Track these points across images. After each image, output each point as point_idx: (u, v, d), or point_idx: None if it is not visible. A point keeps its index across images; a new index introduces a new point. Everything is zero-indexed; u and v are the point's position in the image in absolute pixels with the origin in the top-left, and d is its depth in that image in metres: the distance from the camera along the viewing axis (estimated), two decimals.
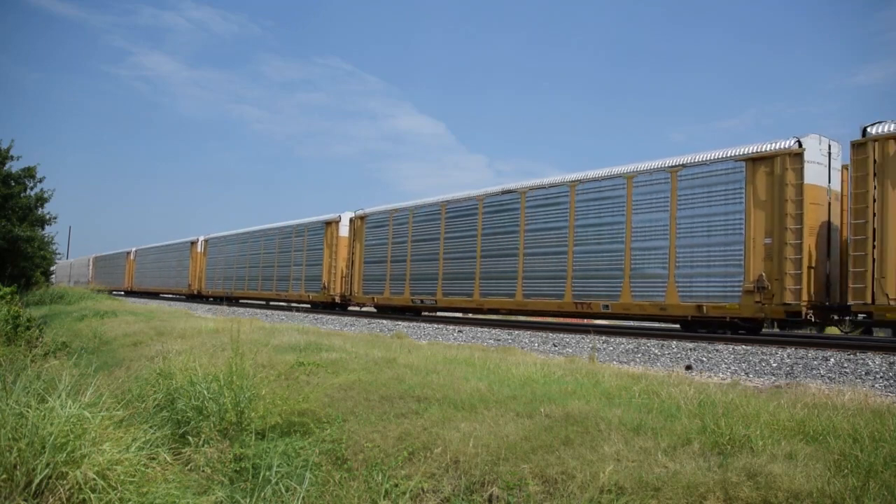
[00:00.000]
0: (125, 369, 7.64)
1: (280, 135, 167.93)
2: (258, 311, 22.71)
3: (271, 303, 29.26)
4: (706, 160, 12.70)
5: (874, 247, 10.27)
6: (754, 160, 11.93)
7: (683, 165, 13.03)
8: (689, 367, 8.26)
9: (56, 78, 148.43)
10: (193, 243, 36.14)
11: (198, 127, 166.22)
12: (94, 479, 3.63)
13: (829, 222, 11.63)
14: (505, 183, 17.44)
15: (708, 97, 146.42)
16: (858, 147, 10.76)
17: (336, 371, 6.70)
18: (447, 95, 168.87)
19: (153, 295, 41.28)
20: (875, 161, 10.49)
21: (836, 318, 12.56)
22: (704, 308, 12.25)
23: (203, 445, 4.76)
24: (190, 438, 4.88)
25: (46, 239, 33.14)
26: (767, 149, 11.79)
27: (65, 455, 3.72)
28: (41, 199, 28.71)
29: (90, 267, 55.66)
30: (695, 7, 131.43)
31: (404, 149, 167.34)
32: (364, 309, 23.50)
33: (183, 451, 4.68)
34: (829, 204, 11.67)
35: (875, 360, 8.25)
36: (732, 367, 8.26)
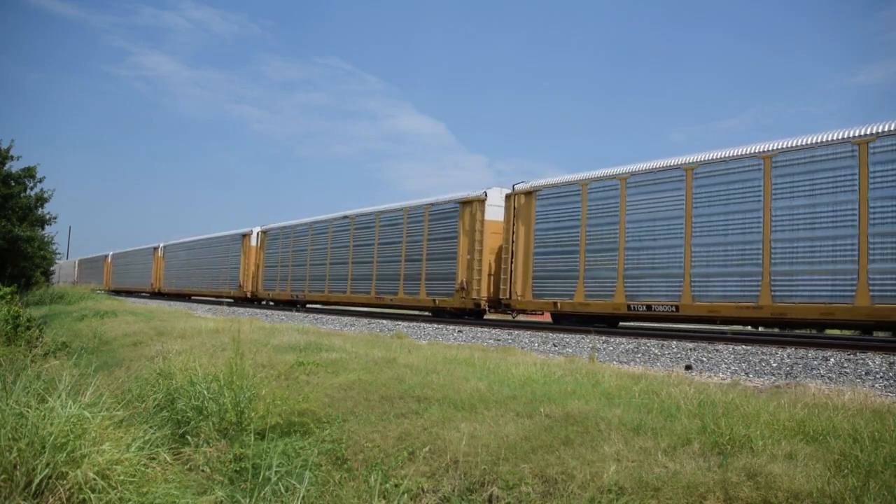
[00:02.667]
0: (125, 369, 7.64)
1: (280, 135, 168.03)
2: (257, 311, 22.70)
3: (193, 298, 36.22)
4: (438, 201, 18.95)
5: (512, 262, 16.26)
6: (462, 203, 17.98)
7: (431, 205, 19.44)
8: (688, 367, 8.26)
9: (56, 78, 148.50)
10: (155, 249, 41.84)
11: (198, 127, 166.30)
12: (94, 479, 3.63)
13: (501, 245, 17.07)
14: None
15: (708, 97, 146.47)
16: (507, 198, 16.80)
17: (336, 371, 6.70)
18: (447, 95, 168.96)
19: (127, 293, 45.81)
20: (514, 208, 16.46)
21: (502, 307, 17.24)
22: (437, 301, 18.40)
23: (203, 445, 4.76)
24: (190, 438, 4.88)
25: (46, 239, 33.16)
26: (470, 195, 17.84)
27: (65, 455, 3.72)
28: (41, 199, 28.71)
29: (75, 268, 61.73)
30: (695, 7, 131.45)
31: (404, 149, 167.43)
32: (265, 302, 29.08)
33: (183, 451, 4.68)
34: (506, 232, 16.83)
35: (875, 360, 8.25)
36: (732, 367, 8.26)
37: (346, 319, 17.87)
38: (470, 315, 18.34)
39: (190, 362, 6.23)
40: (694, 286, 12.52)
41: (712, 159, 12.61)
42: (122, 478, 3.73)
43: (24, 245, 27.19)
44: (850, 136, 10.73)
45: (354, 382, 6.09)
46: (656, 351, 9.91)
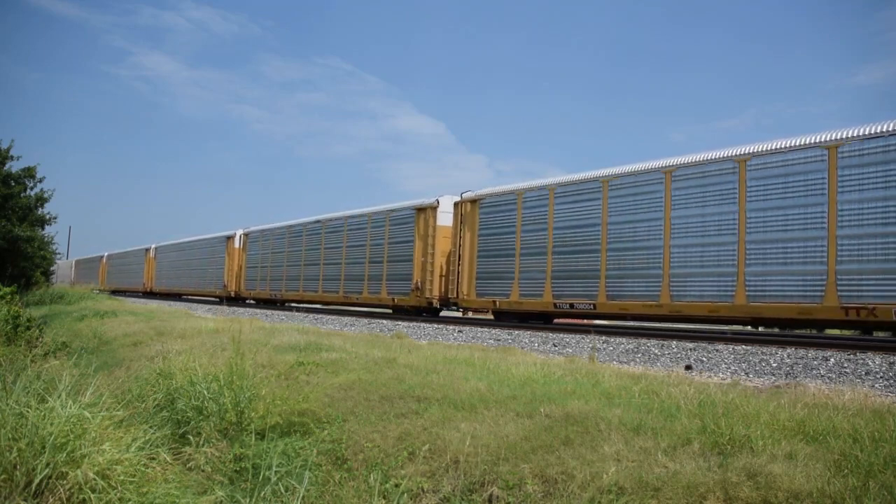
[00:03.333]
0: (125, 369, 7.65)
1: (280, 135, 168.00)
2: (257, 311, 22.70)
3: (183, 297, 38.13)
4: (397, 208, 20.76)
5: (459, 264, 17.70)
6: (418, 209, 19.54)
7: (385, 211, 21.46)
8: (688, 367, 8.26)
9: (56, 78, 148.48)
10: (147, 250, 43.52)
11: (198, 127, 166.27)
12: (94, 479, 3.63)
13: (451, 249, 18.43)
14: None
15: (708, 97, 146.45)
16: (456, 205, 18.24)
17: (336, 371, 6.70)
18: (447, 95, 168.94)
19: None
20: (461, 215, 17.92)
21: (451, 306, 18.61)
22: (395, 300, 19.97)
23: (203, 445, 4.76)
24: (190, 438, 4.88)
25: (46, 239, 33.20)
26: (424, 203, 19.46)
27: (65, 455, 3.72)
28: (41, 199, 28.72)
29: (72, 269, 63.58)
30: (695, 7, 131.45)
31: (404, 149, 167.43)
32: (249, 302, 30.21)
33: (183, 450, 4.68)
34: (454, 237, 18.27)
35: (875, 360, 8.25)
36: (732, 367, 8.26)
37: (346, 319, 17.87)
38: (426, 313, 19.56)
39: (190, 362, 6.23)
40: (608, 287, 13.99)
41: (622, 173, 14.13)
42: (122, 478, 3.74)
43: (24, 245, 27.20)
44: (733, 154, 12.34)
45: (354, 382, 6.09)
46: (656, 351, 9.91)
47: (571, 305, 14.68)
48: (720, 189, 12.34)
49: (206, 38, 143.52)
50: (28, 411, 3.99)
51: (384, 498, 3.85)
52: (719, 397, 4.93)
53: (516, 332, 13.18)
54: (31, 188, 28.21)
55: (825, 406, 4.68)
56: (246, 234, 30.76)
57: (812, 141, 11.20)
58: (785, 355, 8.91)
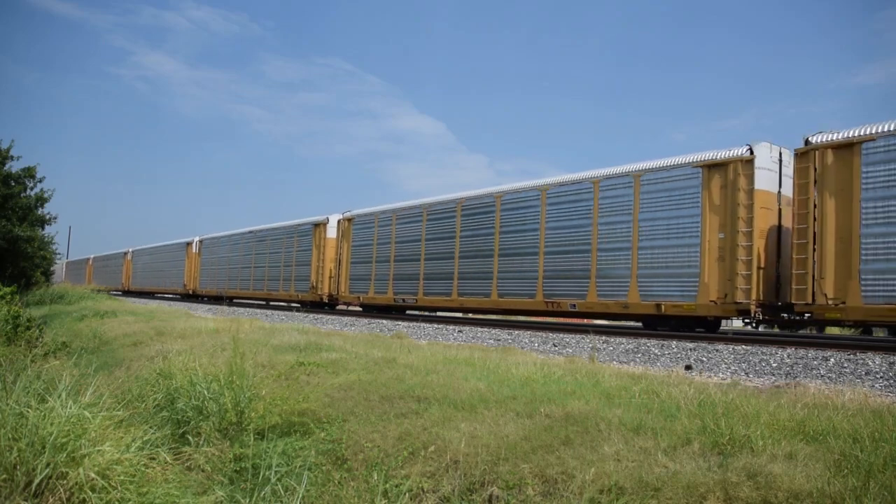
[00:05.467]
0: (125, 369, 7.65)
1: (280, 135, 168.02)
2: (257, 311, 22.72)
3: (155, 294, 42.77)
4: (301, 224, 26.59)
5: (339, 269, 23.41)
6: (314, 225, 25.61)
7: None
8: (688, 367, 8.26)
9: (56, 78, 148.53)
10: (125, 254, 49.55)
11: (198, 127, 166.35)
12: (94, 479, 3.63)
13: (335, 257, 24.19)
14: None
15: (708, 97, 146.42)
16: (338, 223, 23.03)
17: (336, 371, 6.70)
18: (448, 95, 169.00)
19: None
20: (342, 230, 22.53)
21: (335, 301, 24.62)
22: (300, 296, 25.10)
23: (203, 445, 4.76)
24: (190, 438, 4.88)
25: (46, 239, 33.16)
26: (318, 219, 25.59)
27: (65, 455, 3.72)
28: (41, 199, 28.67)
29: (63, 270, 67.57)
30: (696, 8, 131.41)
31: (405, 149, 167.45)
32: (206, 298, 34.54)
33: (183, 450, 4.68)
34: (337, 247, 24.11)
35: (875, 360, 8.25)
36: (732, 367, 8.26)
37: (346, 319, 17.87)
38: (322, 307, 25.29)
39: (190, 362, 6.24)
40: (426, 286, 19.34)
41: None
42: (122, 478, 3.74)
43: (24, 245, 27.16)
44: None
45: (354, 382, 6.09)
46: (656, 351, 9.91)
47: (404, 300, 20.06)
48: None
49: (207, 38, 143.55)
50: (28, 411, 3.99)
51: (385, 498, 3.85)
52: (719, 397, 4.93)
53: (516, 332, 13.17)
54: (31, 188, 28.16)
55: (825, 406, 4.68)
56: (201, 241, 36.83)
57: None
58: (785, 355, 8.91)
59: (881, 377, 7.30)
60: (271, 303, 29.34)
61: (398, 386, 5.82)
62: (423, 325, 15.80)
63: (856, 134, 10.72)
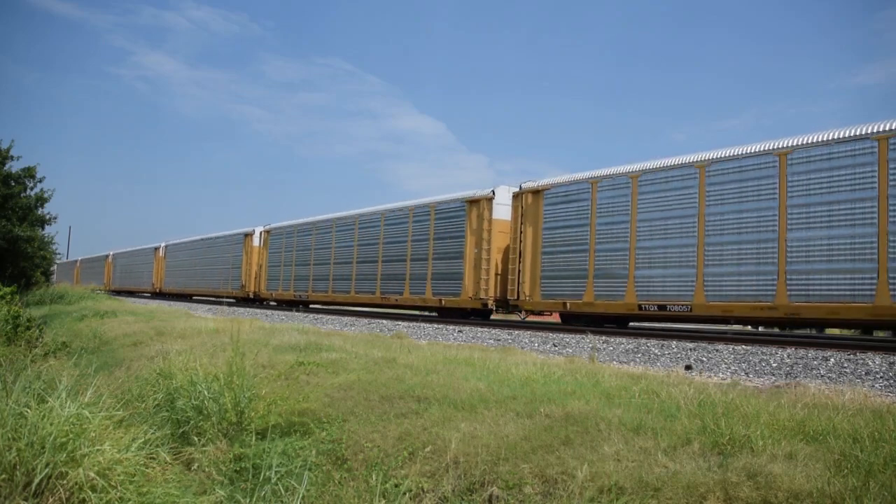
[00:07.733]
0: (125, 369, 7.65)
1: (280, 135, 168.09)
2: (257, 311, 22.71)
3: (132, 293, 45.75)
4: (231, 234, 31.79)
5: (258, 270, 28.81)
6: (245, 235, 30.61)
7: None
8: (688, 367, 8.26)
9: (56, 78, 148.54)
10: (106, 257, 54.20)
11: (198, 127, 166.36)
12: (94, 479, 3.62)
13: (259, 263, 29.47)
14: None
15: (708, 97, 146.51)
16: (260, 234, 28.57)
17: (336, 371, 6.70)
18: (448, 95, 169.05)
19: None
20: (262, 238, 27.84)
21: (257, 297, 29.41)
22: (232, 291, 30.08)
23: (203, 445, 4.76)
24: (190, 438, 4.88)
25: (46, 239, 33.19)
26: (247, 230, 30.66)
27: (65, 455, 3.72)
28: (41, 199, 28.68)
29: (56, 270, 70.50)
30: (696, 8, 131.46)
31: (405, 149, 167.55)
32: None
33: (183, 450, 4.68)
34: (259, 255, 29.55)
35: (875, 360, 8.24)
36: (732, 367, 8.26)
37: (346, 319, 17.87)
38: (249, 301, 29.39)
39: (190, 362, 6.24)
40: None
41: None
42: (121, 478, 3.74)
43: (24, 245, 27.17)
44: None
45: (354, 382, 6.09)
46: (656, 351, 9.90)
47: (300, 296, 23.58)
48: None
49: (207, 38, 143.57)
50: (28, 411, 3.98)
51: (384, 498, 3.85)
52: (719, 397, 4.93)
53: (516, 331, 13.17)
54: (31, 188, 28.18)
55: (825, 406, 4.68)
56: (166, 246, 40.65)
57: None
58: (785, 355, 8.90)
59: (881, 377, 7.30)
60: (214, 298, 33.10)
61: (398, 386, 5.81)
62: (423, 325, 15.80)
63: (543, 184, 15.88)
